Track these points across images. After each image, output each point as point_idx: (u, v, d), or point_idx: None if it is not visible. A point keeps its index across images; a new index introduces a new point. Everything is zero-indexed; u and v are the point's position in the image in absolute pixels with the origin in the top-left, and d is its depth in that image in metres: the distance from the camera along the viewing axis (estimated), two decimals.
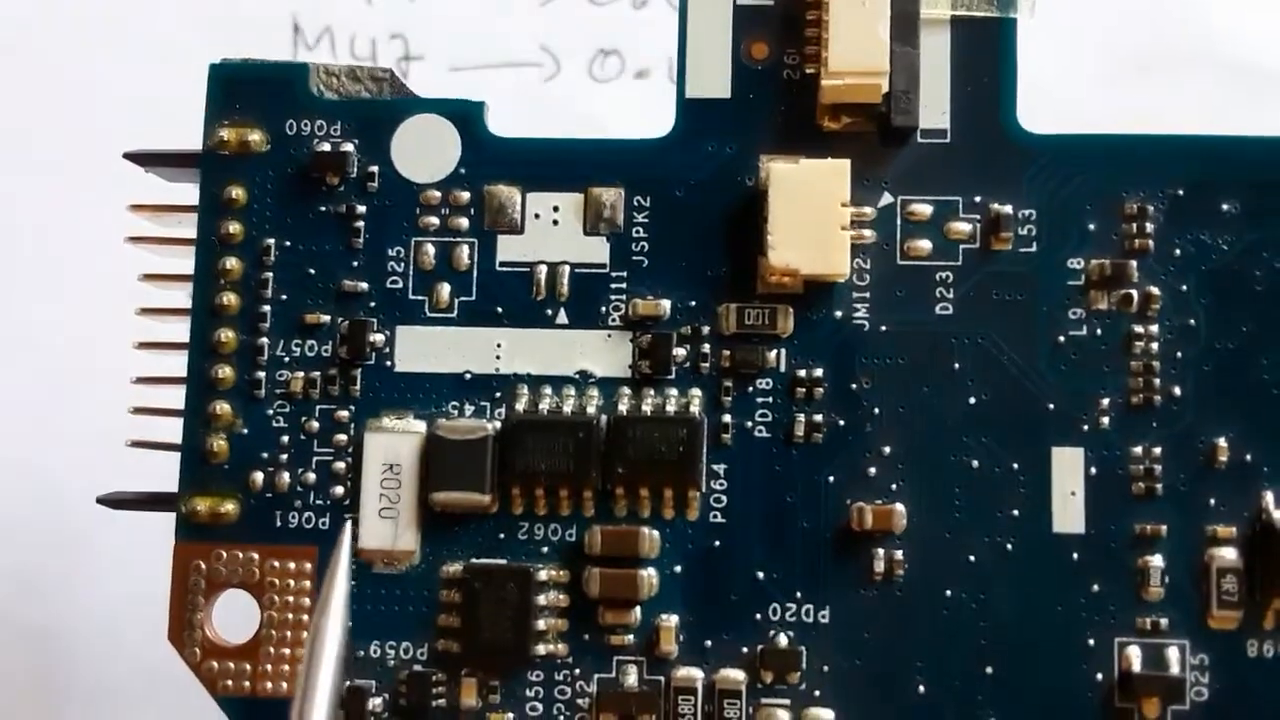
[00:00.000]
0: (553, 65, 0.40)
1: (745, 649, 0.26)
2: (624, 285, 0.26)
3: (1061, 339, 0.26)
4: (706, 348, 0.26)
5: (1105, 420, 0.26)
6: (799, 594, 0.26)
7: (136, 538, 0.31)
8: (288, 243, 0.27)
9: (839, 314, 0.26)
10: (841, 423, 0.26)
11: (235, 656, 0.27)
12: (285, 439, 0.27)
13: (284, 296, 0.27)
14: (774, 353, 0.26)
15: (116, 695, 0.37)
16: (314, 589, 0.26)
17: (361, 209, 0.27)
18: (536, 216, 0.27)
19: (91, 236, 0.32)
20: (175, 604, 0.27)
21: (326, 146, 0.27)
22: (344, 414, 0.27)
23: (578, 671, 0.26)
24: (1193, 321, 0.26)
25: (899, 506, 0.25)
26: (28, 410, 0.38)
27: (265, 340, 0.27)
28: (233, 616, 0.27)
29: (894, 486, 0.26)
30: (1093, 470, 0.26)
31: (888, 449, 0.26)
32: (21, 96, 0.41)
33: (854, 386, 0.26)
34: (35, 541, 0.38)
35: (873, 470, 0.26)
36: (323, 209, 0.27)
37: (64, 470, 0.36)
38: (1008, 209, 0.26)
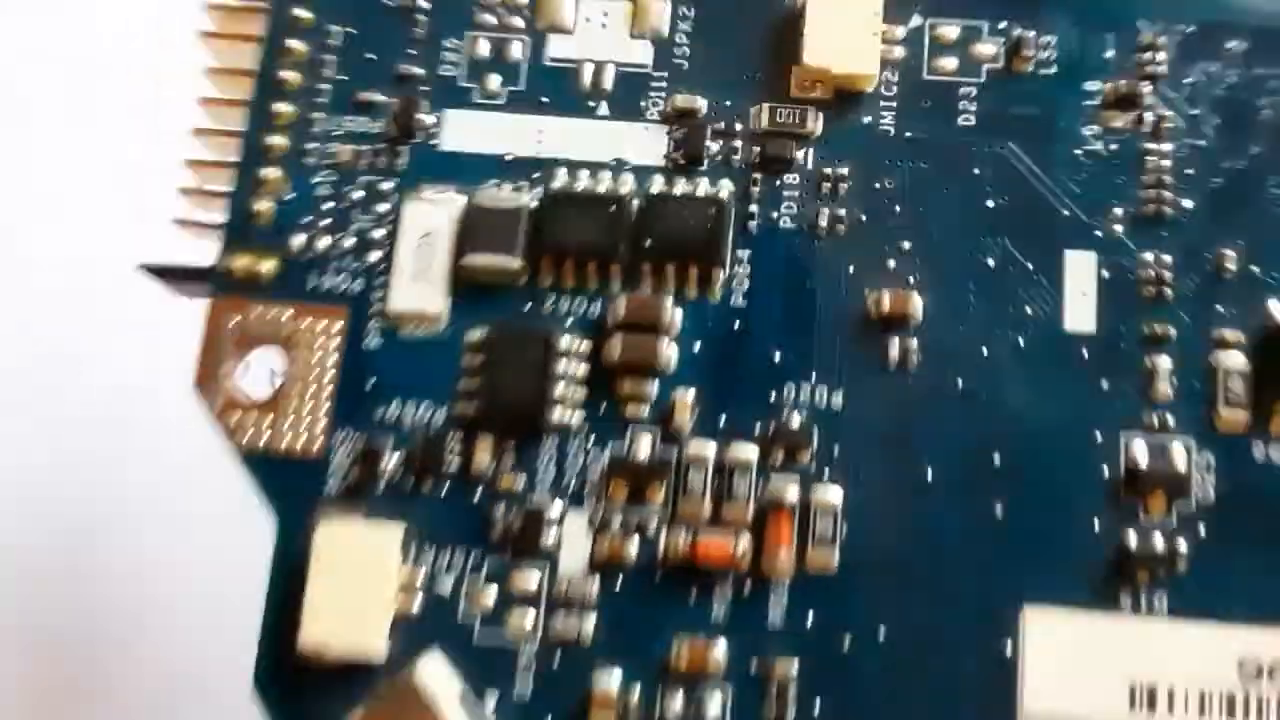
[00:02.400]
0: None
1: (758, 427, 0.28)
2: (665, 84, 0.30)
3: (1078, 152, 0.29)
4: (738, 143, 0.30)
5: (1118, 228, 0.29)
6: (814, 376, 0.28)
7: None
8: (352, 30, 0.31)
9: (866, 120, 0.30)
10: (863, 218, 0.29)
11: (256, 410, 0.29)
12: (328, 206, 0.30)
13: (343, 77, 0.31)
14: (802, 151, 0.29)
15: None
16: (341, 348, 0.29)
17: (424, 4, 0.31)
18: (587, 20, 0.31)
19: (157, 30, 0.35)
20: (205, 356, 0.29)
21: None
22: (387, 185, 0.30)
23: (591, 440, 0.28)
24: (1203, 142, 0.29)
25: (916, 296, 0.28)
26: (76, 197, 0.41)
27: (320, 115, 0.30)
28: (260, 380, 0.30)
29: (911, 279, 0.29)
30: (1104, 273, 0.28)
31: (907, 244, 0.29)
32: None
33: (877, 186, 0.29)
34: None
35: (891, 263, 0.29)
36: (388, 2, 0.31)
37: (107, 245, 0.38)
38: (1030, 33, 0.30)
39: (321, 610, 0.27)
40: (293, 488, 0.28)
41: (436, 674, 0.27)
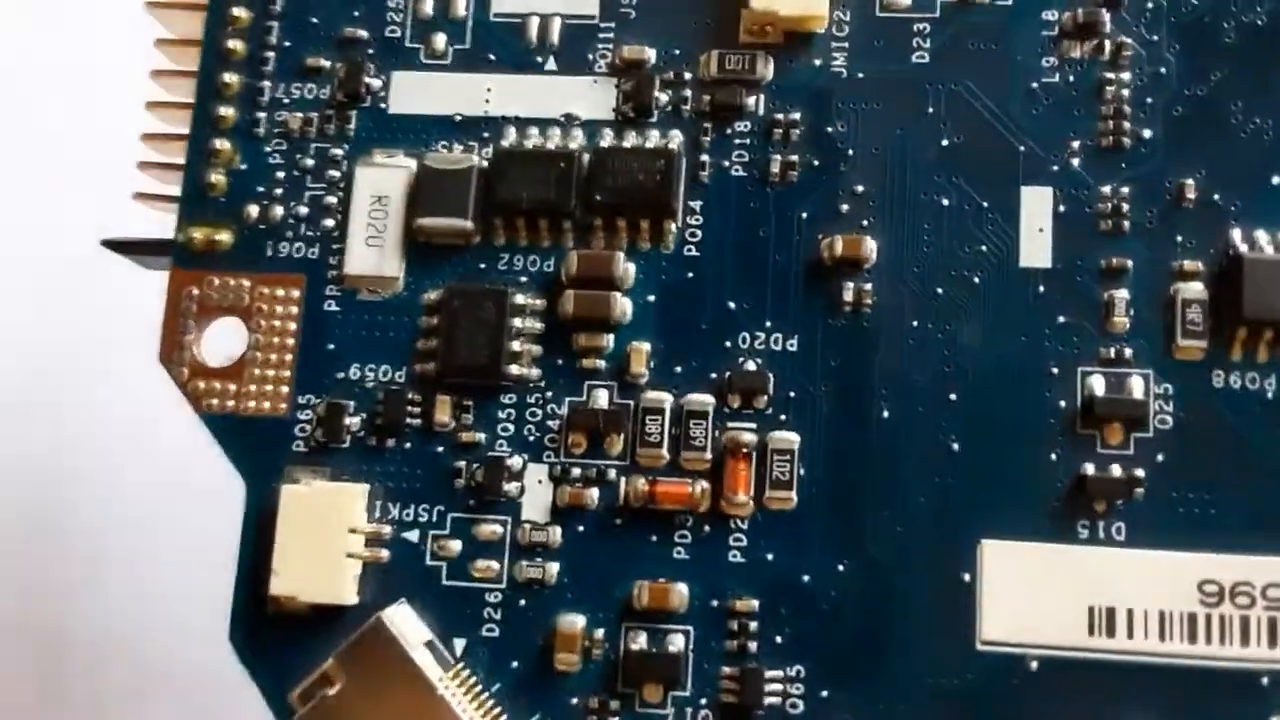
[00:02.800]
0: None
1: (714, 375, 0.29)
2: (611, 35, 0.30)
3: (1034, 85, 0.29)
4: (688, 92, 0.30)
5: (1075, 161, 0.29)
6: (768, 323, 0.29)
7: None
8: None
9: (817, 62, 0.30)
10: (816, 163, 0.29)
11: (221, 377, 0.30)
12: (280, 175, 0.31)
13: (287, 44, 0.31)
14: (753, 98, 0.30)
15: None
16: (300, 314, 0.30)
17: None
18: None
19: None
20: (168, 327, 0.30)
21: None
22: (338, 152, 0.31)
23: (549, 394, 0.29)
24: (1163, 70, 0.29)
25: (868, 239, 0.29)
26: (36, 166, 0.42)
27: (267, 84, 0.31)
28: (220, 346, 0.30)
29: (865, 222, 0.29)
30: (1061, 208, 0.29)
31: (860, 188, 0.29)
32: None
33: (829, 130, 0.30)
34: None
35: (845, 207, 0.29)
36: None
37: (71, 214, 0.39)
38: None
39: (290, 562, 0.28)
40: (260, 450, 0.30)
41: (405, 621, 0.28)
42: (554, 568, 0.28)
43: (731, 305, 0.29)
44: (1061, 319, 0.28)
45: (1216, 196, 0.28)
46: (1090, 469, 0.27)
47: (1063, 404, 0.28)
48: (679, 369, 0.29)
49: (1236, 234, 0.28)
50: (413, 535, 0.29)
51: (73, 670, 0.37)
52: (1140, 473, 0.27)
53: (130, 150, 0.33)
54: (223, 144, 0.31)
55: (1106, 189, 0.29)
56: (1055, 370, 0.28)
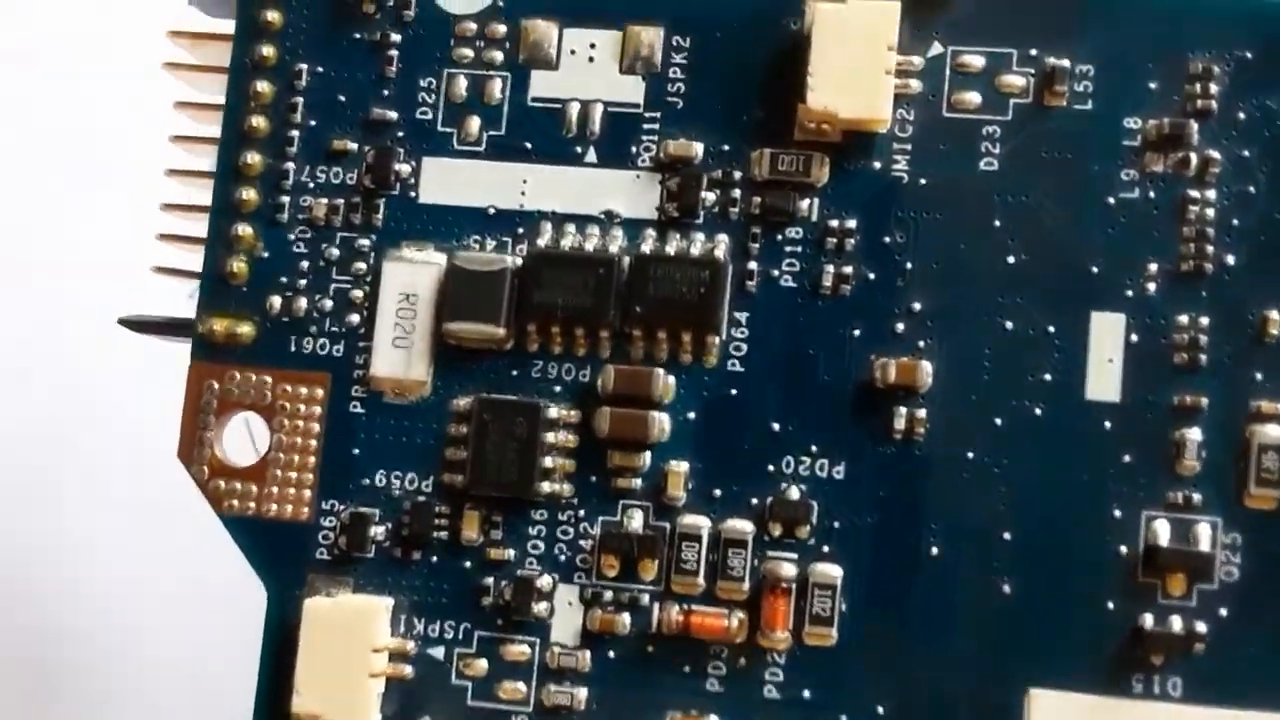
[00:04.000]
0: None
1: (755, 500, 0.28)
2: (657, 126, 0.29)
3: (1111, 200, 0.28)
4: (737, 193, 0.29)
5: (1151, 286, 0.28)
6: (814, 448, 0.28)
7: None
8: (320, 69, 0.30)
9: (877, 165, 0.29)
10: (871, 276, 0.29)
11: (242, 477, 0.30)
12: (304, 265, 0.30)
13: (312, 123, 0.30)
14: (806, 201, 0.29)
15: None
16: (324, 415, 0.30)
17: (396, 38, 0.30)
18: (572, 53, 0.30)
19: (124, 65, 0.35)
20: (187, 422, 0.30)
21: None
22: (364, 243, 0.30)
23: (582, 513, 0.29)
24: (1252, 189, 0.28)
25: (925, 363, 0.28)
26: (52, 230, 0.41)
27: (291, 165, 0.30)
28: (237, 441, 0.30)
29: (921, 344, 0.28)
30: (1134, 337, 0.28)
31: (918, 305, 0.28)
32: None
33: (887, 240, 0.29)
34: None
35: (900, 326, 0.28)
36: (357, 36, 0.30)
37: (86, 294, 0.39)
38: (1064, 63, 0.28)
39: (313, 680, 0.29)
40: (282, 556, 0.30)
41: None
42: (582, 693, 0.28)
43: (776, 426, 0.29)
44: (1127, 458, 0.27)
45: None
46: (1149, 620, 0.27)
47: (1123, 549, 0.27)
48: (718, 492, 0.29)
49: None
50: (438, 652, 0.29)
51: None
52: (1202, 627, 0.27)
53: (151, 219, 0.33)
54: (244, 229, 0.31)
55: (1184, 319, 0.27)
56: (1118, 513, 0.27)
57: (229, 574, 0.30)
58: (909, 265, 0.29)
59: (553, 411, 0.29)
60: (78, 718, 0.36)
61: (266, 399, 0.30)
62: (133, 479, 0.39)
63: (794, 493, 0.28)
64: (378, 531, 0.30)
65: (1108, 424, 0.28)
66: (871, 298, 0.28)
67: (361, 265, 0.30)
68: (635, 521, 0.29)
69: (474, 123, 0.30)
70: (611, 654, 0.29)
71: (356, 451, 0.30)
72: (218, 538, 0.30)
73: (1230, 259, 0.28)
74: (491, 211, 0.30)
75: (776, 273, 0.29)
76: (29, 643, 0.36)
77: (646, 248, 0.29)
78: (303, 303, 0.30)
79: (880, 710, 0.28)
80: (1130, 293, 0.28)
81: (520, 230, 0.30)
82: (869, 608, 0.28)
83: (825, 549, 0.28)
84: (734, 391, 0.29)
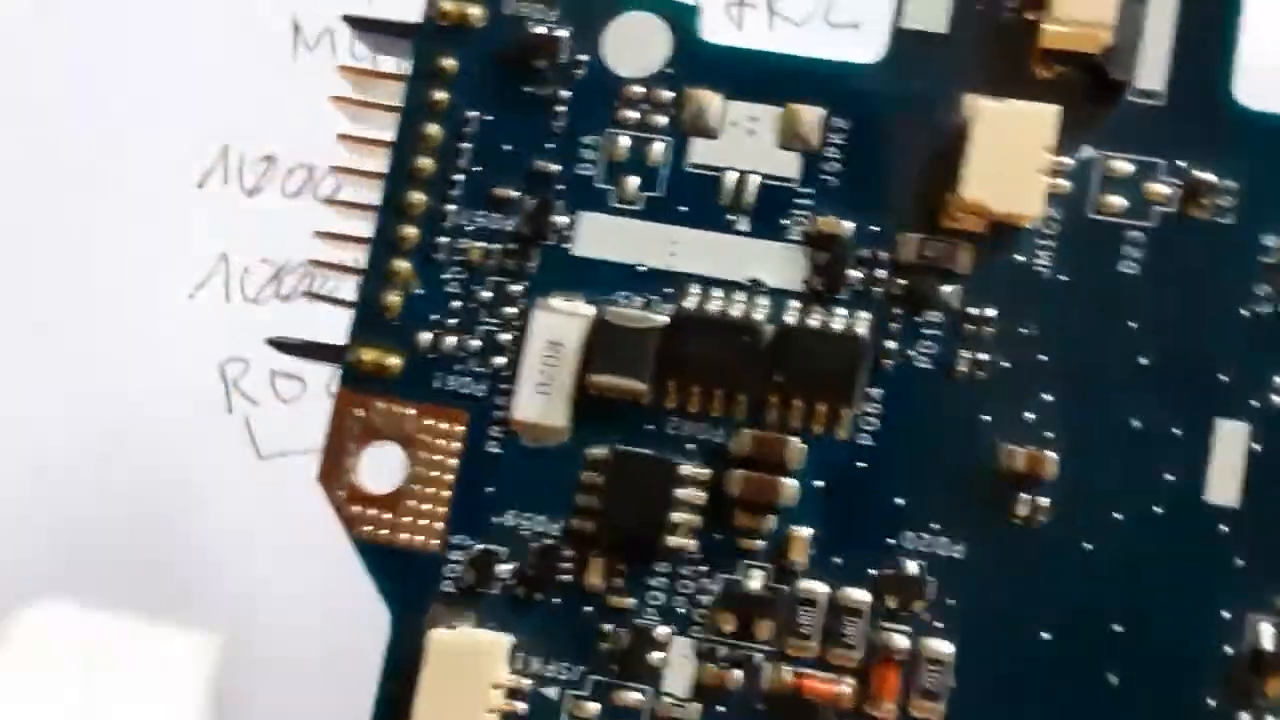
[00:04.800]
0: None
1: (873, 571, 0.30)
2: (809, 202, 0.31)
3: (1244, 313, 0.29)
4: (882, 273, 0.31)
5: (1276, 399, 0.29)
6: (936, 526, 0.30)
7: None
8: (489, 117, 0.32)
9: (1020, 258, 0.30)
10: (1005, 365, 0.30)
11: (378, 504, 0.31)
12: (456, 304, 0.32)
13: (477, 169, 0.32)
14: (948, 288, 0.30)
15: None
16: (461, 451, 0.31)
17: (565, 94, 0.32)
18: (734, 125, 0.31)
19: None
20: (331, 448, 0.32)
21: (541, 30, 0.32)
22: (516, 288, 0.32)
23: (704, 569, 0.30)
24: None
25: (1051, 454, 0.29)
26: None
27: (453, 207, 0.32)
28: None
29: (1048, 434, 0.30)
30: (1255, 446, 0.29)
31: (1049, 397, 0.30)
32: None
33: (1023, 331, 0.30)
34: None
35: (1030, 415, 0.30)
36: (527, 90, 0.32)
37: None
38: (1211, 177, 0.30)
39: (431, 710, 0.30)
40: (409, 584, 0.31)
41: None
42: None
43: (900, 501, 0.30)
44: (1239, 562, 0.29)
45: None
46: (1245, 719, 0.29)
47: (1228, 649, 0.29)
48: (838, 560, 0.30)
49: None
50: (551, 692, 0.31)
51: None
52: None
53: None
54: (402, 264, 0.33)
55: None
56: (1226, 614, 0.29)
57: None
58: (1042, 358, 0.30)
59: (685, 468, 0.31)
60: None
61: (407, 431, 0.32)
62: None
63: (912, 567, 0.30)
64: (503, 570, 0.31)
65: (1224, 527, 0.29)
66: (1004, 386, 0.30)
67: (511, 309, 0.32)
68: (755, 582, 0.31)
69: (632, 182, 0.32)
70: (721, 709, 0.30)
71: (490, 489, 0.32)
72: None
73: None
74: (642, 269, 0.32)
75: (912, 353, 0.31)
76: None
77: (790, 318, 0.31)
78: (451, 340, 0.32)
79: None
80: (1255, 403, 0.30)
81: (667, 290, 0.31)
82: (978, 687, 0.29)
83: (939, 625, 0.30)
84: (862, 464, 0.31)
